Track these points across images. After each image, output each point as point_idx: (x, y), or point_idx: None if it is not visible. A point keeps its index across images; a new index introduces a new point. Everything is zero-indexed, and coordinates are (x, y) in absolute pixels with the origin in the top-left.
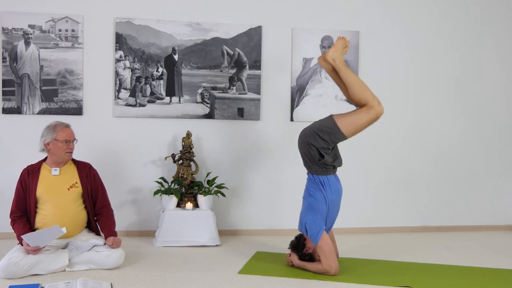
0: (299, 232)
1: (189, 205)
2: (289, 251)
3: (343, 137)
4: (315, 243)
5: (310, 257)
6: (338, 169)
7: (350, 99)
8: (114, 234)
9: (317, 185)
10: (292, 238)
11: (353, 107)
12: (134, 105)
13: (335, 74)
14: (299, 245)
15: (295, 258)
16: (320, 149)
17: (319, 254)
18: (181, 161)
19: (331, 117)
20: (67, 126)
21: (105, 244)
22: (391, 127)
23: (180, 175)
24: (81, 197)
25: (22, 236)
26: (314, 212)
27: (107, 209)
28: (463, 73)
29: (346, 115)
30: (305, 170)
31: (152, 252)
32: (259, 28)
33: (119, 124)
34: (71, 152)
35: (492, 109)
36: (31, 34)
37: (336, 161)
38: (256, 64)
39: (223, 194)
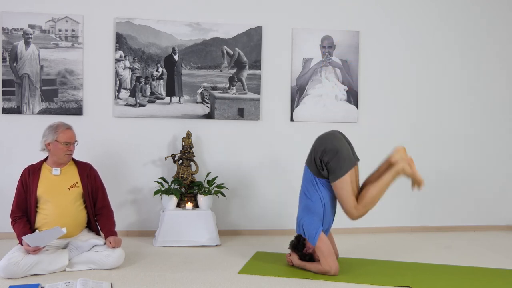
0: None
1: (189, 205)
2: (289, 251)
3: (333, 179)
4: (313, 244)
5: (310, 257)
6: None
7: (366, 182)
8: (114, 234)
9: (313, 185)
10: (292, 238)
11: (352, 108)
12: (134, 105)
13: (385, 168)
14: (299, 245)
15: (295, 258)
16: (323, 163)
17: (318, 255)
18: (181, 161)
19: (353, 163)
20: (69, 128)
21: (105, 244)
22: (391, 127)
23: (180, 175)
24: (82, 197)
25: (22, 238)
26: (310, 213)
27: (107, 209)
28: (463, 73)
29: (352, 185)
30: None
31: (152, 252)
32: (259, 28)
33: (119, 124)
34: (71, 154)
35: (492, 108)
36: (31, 34)
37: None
38: (256, 64)
39: (223, 194)
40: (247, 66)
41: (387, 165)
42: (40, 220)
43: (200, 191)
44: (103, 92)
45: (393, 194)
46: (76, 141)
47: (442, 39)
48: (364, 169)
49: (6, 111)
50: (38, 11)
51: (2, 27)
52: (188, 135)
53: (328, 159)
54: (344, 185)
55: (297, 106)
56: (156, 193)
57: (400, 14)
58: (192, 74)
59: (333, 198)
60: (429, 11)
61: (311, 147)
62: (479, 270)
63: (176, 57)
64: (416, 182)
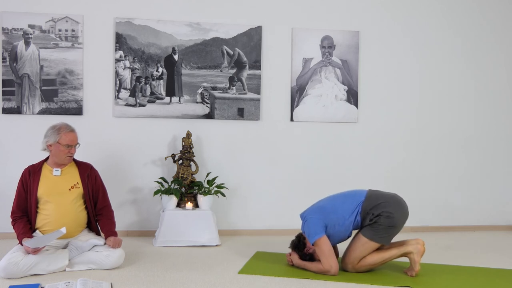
0: (299, 232)
1: (189, 205)
2: (289, 250)
3: (365, 233)
4: (311, 242)
5: (311, 257)
6: (339, 170)
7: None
8: (114, 234)
9: (354, 207)
10: (293, 237)
11: (352, 108)
12: (134, 105)
13: (397, 245)
14: (299, 245)
15: (295, 258)
16: (377, 220)
17: (318, 254)
18: (181, 161)
19: (386, 243)
20: (72, 130)
21: (105, 244)
22: (391, 127)
23: (180, 175)
24: (82, 197)
25: (23, 243)
26: (321, 216)
27: (108, 209)
28: (464, 72)
29: (370, 251)
30: (304, 169)
31: (152, 252)
32: (259, 28)
33: (119, 124)
34: (71, 157)
35: (493, 109)
36: (31, 34)
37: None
38: (256, 64)
39: (223, 194)
40: (247, 66)
41: (400, 244)
42: (40, 220)
43: (200, 191)
44: (103, 92)
45: None
46: (77, 143)
47: (443, 39)
48: (364, 170)
49: (6, 111)
50: (38, 11)
51: (2, 27)
52: (188, 135)
53: (382, 223)
54: (367, 246)
55: (297, 106)
56: (156, 193)
57: (400, 14)
58: (192, 74)
59: (352, 232)
60: (430, 11)
61: (388, 196)
62: (479, 270)
63: (176, 57)
64: (412, 270)
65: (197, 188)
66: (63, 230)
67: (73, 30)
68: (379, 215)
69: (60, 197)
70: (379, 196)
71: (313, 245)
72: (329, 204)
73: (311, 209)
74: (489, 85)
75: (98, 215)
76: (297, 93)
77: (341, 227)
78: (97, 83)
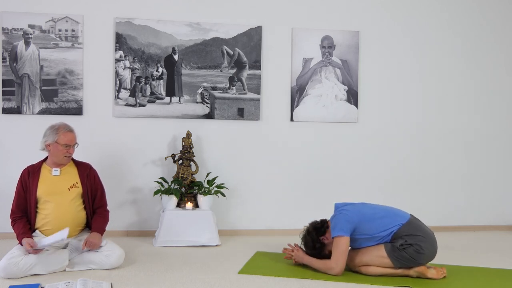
0: (301, 230)
1: (189, 205)
2: (289, 245)
3: (391, 253)
4: (332, 234)
5: (321, 246)
6: (339, 170)
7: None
8: (99, 231)
9: (390, 228)
10: (292, 237)
11: (352, 108)
12: (134, 105)
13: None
14: (320, 229)
15: (300, 253)
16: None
17: (333, 248)
18: (181, 161)
19: (405, 267)
20: (70, 130)
21: (106, 244)
22: (392, 127)
23: (180, 175)
24: (81, 197)
25: (28, 252)
26: (355, 219)
27: (103, 209)
28: (464, 72)
29: (382, 264)
30: (304, 169)
31: (152, 252)
32: (259, 28)
33: (119, 124)
34: (70, 157)
35: (493, 109)
36: (31, 34)
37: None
38: (256, 64)
39: (223, 194)
40: (247, 66)
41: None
42: (40, 220)
43: (200, 191)
44: (103, 92)
45: (392, 193)
46: (76, 143)
47: (443, 39)
48: (364, 170)
49: (6, 111)
50: (38, 11)
51: (2, 27)
52: (188, 135)
53: (410, 253)
54: (381, 260)
55: (297, 106)
56: (156, 193)
57: (400, 14)
58: (192, 74)
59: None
60: (430, 11)
61: (427, 232)
62: (479, 270)
63: (176, 57)
64: (435, 277)
65: (197, 188)
66: (65, 235)
67: (73, 30)
68: (411, 245)
69: (59, 197)
70: (419, 228)
71: (332, 238)
72: (369, 212)
73: (351, 207)
74: (489, 85)
75: (93, 214)
76: (297, 93)
77: (368, 237)
78: (97, 83)
